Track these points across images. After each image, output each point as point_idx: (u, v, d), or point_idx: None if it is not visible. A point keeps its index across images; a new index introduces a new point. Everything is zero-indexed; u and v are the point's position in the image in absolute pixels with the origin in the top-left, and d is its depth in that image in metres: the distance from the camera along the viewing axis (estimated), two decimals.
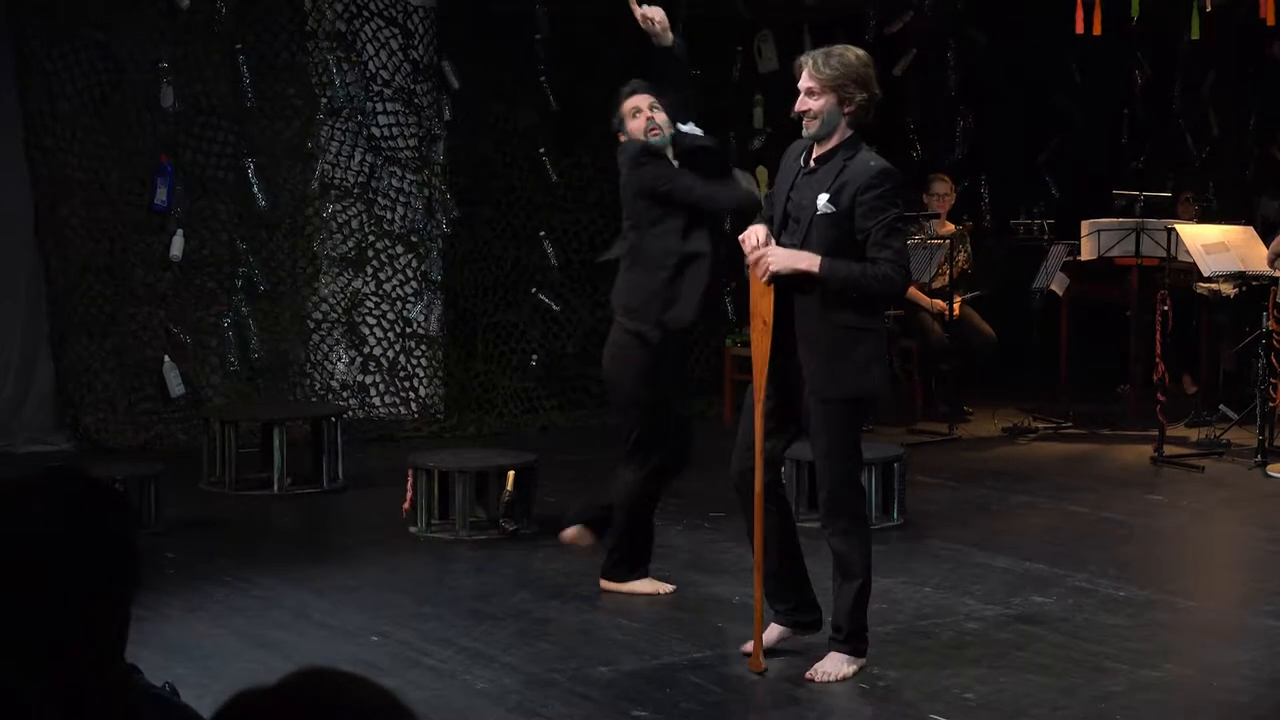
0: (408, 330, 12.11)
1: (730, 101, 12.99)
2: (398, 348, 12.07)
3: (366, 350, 12.01)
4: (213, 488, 9.90)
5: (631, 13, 7.53)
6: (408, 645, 6.94)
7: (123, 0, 11.15)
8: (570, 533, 7.85)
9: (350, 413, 11.53)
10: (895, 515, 9.14)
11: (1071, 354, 12.79)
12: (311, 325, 11.90)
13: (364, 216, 11.99)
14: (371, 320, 12.02)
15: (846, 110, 6.41)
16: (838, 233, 6.33)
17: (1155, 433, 11.01)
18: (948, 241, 12.10)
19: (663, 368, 7.47)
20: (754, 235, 6.43)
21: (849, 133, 6.46)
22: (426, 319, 12.18)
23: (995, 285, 12.60)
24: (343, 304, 11.97)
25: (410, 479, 8.91)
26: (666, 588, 7.75)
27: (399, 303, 12.08)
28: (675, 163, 7.47)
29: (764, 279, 6.39)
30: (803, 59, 6.50)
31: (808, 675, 6.49)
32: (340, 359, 11.97)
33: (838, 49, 6.52)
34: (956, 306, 12.20)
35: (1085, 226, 12.07)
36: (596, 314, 12.45)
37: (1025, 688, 6.43)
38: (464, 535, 8.75)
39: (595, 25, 12.54)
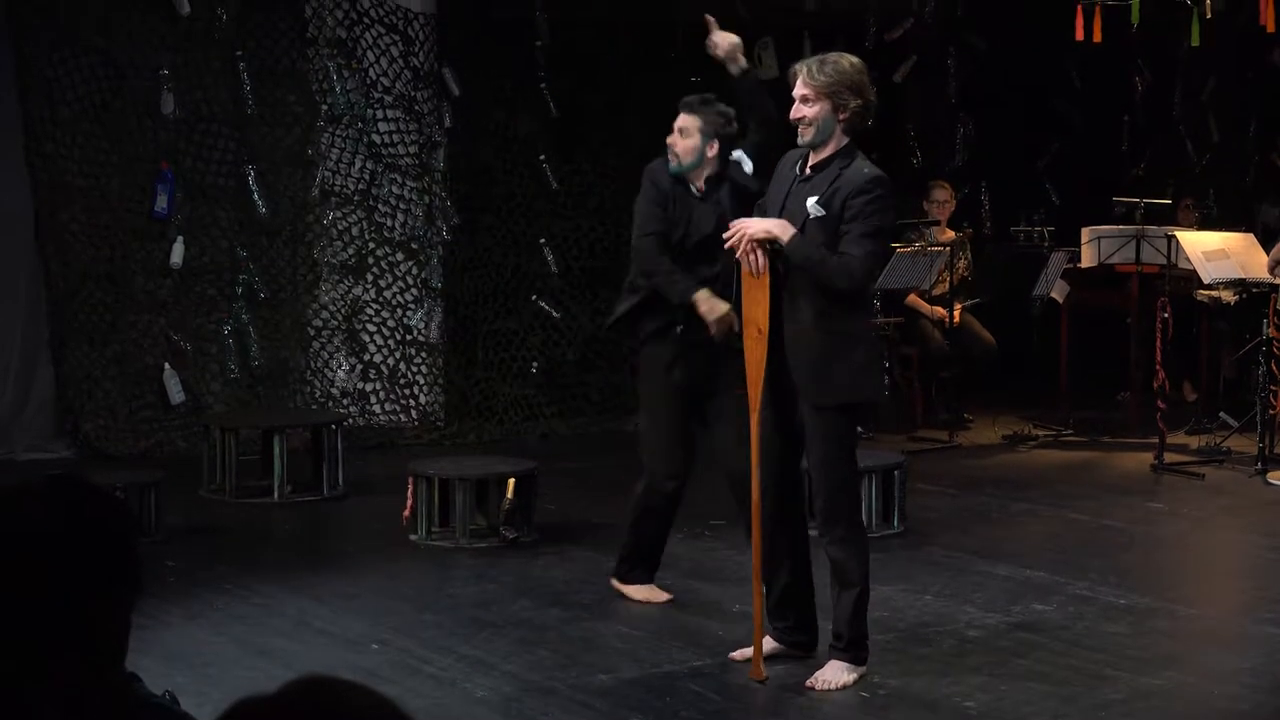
0: (408, 337, 12.11)
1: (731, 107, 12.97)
2: (398, 355, 12.07)
3: (367, 357, 12.01)
4: (213, 495, 9.90)
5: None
6: (408, 653, 6.94)
7: (124, 6, 11.16)
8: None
9: (350, 420, 11.54)
10: (896, 523, 9.14)
11: (1072, 361, 12.79)
12: (312, 332, 11.90)
13: (364, 223, 11.99)
14: (372, 327, 12.02)
15: (841, 117, 6.43)
16: (827, 237, 6.34)
17: (1156, 440, 11.02)
18: (948, 249, 12.10)
19: (665, 379, 7.48)
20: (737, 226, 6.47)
21: (845, 140, 6.47)
22: (427, 326, 12.18)
23: (995, 292, 12.60)
24: (343, 311, 11.97)
25: (410, 486, 8.91)
26: (661, 597, 7.74)
27: (399, 310, 12.09)
28: (703, 187, 7.45)
29: (745, 249, 6.36)
30: (797, 66, 6.53)
31: (808, 684, 6.49)
32: (340, 366, 11.97)
33: (832, 56, 6.55)
34: (957, 314, 12.20)
35: (1085, 233, 12.08)
36: (596, 321, 12.45)
37: (1026, 696, 6.42)
38: (464, 543, 8.74)
39: (595, 32, 12.58)
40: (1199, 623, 7.63)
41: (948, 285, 12.24)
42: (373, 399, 12.02)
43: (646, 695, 6.42)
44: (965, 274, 12.56)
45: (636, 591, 7.72)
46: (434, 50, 12.14)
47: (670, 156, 7.45)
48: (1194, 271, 11.35)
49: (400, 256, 12.09)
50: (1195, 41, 11.51)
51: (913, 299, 12.50)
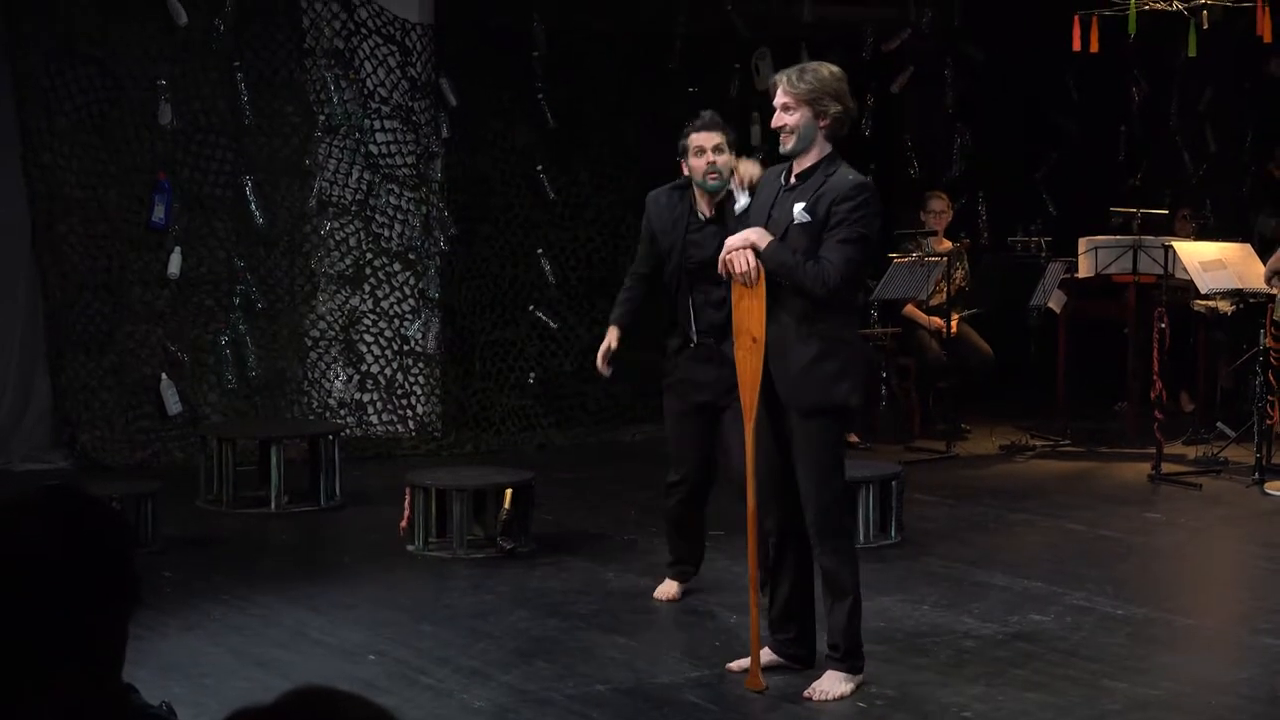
0: (405, 348, 12.11)
1: (728, 119, 12.97)
2: (395, 365, 12.07)
3: (364, 368, 12.01)
4: (210, 506, 9.90)
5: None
6: (405, 664, 6.93)
7: (121, 17, 11.16)
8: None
9: (348, 430, 11.53)
10: (893, 533, 9.13)
11: (1069, 371, 12.80)
12: (309, 343, 11.90)
13: (362, 234, 11.99)
14: (369, 338, 12.02)
15: (822, 124, 6.45)
16: (812, 242, 6.36)
17: (1153, 450, 11.01)
18: (945, 259, 12.11)
19: (673, 390, 7.74)
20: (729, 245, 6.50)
21: (828, 148, 6.49)
22: (424, 336, 12.18)
23: (993, 302, 12.60)
24: (340, 322, 11.97)
25: (408, 497, 8.90)
26: (667, 594, 7.91)
27: (396, 320, 12.09)
28: (710, 213, 7.57)
29: (730, 262, 6.41)
30: (777, 76, 6.57)
31: (806, 694, 6.49)
32: (338, 377, 11.97)
33: (812, 65, 6.61)
34: (954, 324, 12.20)
35: (1083, 244, 12.08)
36: (594, 331, 12.43)
37: (1023, 706, 6.42)
38: (461, 553, 8.74)
39: (593, 43, 12.59)
40: (1196, 633, 7.62)
41: (945, 295, 12.24)
42: (370, 409, 12.02)
43: (644, 706, 6.42)
44: (962, 284, 12.56)
45: (660, 587, 8.00)
46: (431, 61, 12.15)
47: (708, 175, 7.50)
48: (1191, 282, 11.35)
49: (398, 267, 12.09)
50: (1192, 52, 11.52)
51: (910, 309, 12.50)
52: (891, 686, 6.62)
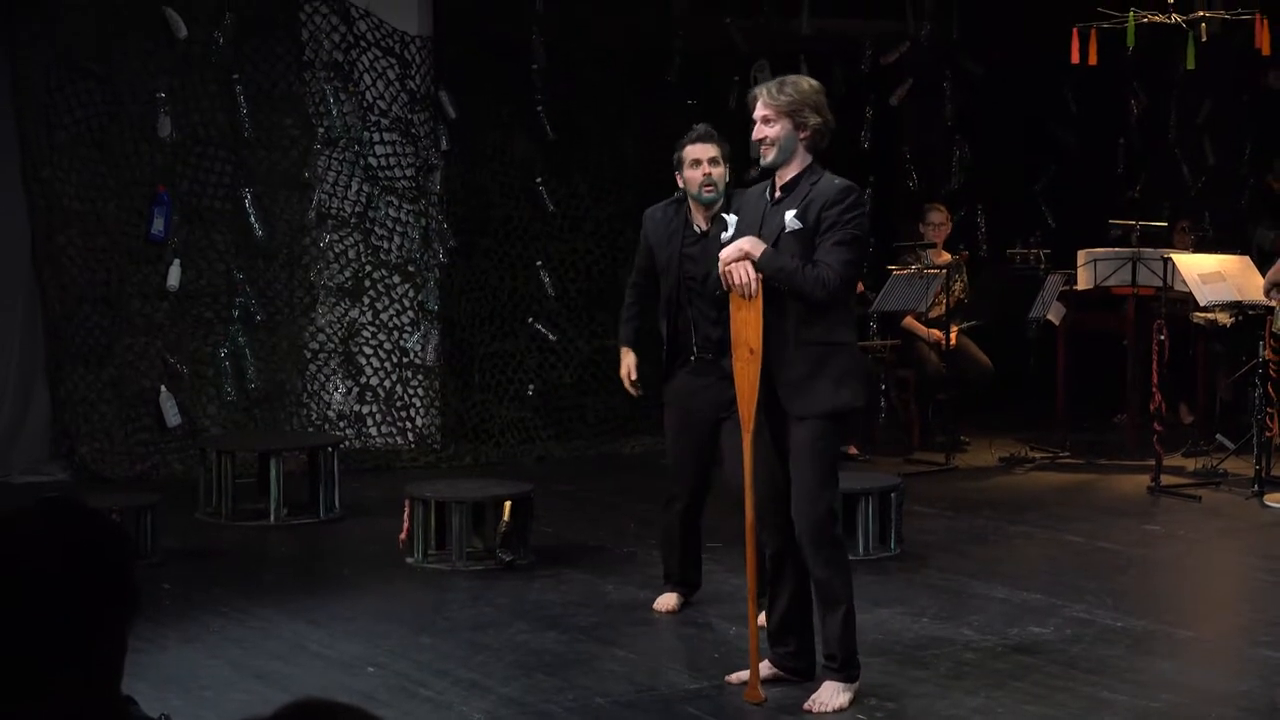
0: (404, 360, 12.11)
1: (727, 132, 12.98)
2: (394, 377, 12.07)
3: (363, 380, 12.01)
4: (209, 518, 9.89)
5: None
6: (404, 676, 6.93)
7: (121, 30, 11.17)
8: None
9: (347, 443, 11.53)
10: (892, 545, 9.13)
11: (1068, 383, 12.80)
12: (308, 355, 11.90)
13: (361, 246, 12.00)
14: (368, 350, 12.02)
15: (802, 135, 6.48)
16: (805, 249, 6.37)
17: (1152, 462, 11.01)
18: (944, 271, 12.11)
19: (672, 404, 7.77)
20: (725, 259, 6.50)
21: (809, 159, 6.51)
22: (423, 349, 12.18)
23: (992, 315, 12.60)
24: (340, 334, 11.97)
25: (407, 509, 8.90)
26: (666, 605, 7.89)
27: (396, 332, 12.09)
28: (706, 227, 7.57)
29: (728, 274, 6.42)
30: (757, 90, 6.61)
31: (805, 706, 6.49)
32: (337, 389, 11.97)
33: (790, 78, 6.66)
34: (953, 336, 12.20)
35: (1081, 256, 12.09)
36: (593, 344, 12.47)
37: (1023, 718, 6.41)
38: (460, 565, 8.73)
39: (592, 55, 12.60)
40: (1196, 645, 7.62)
41: (944, 308, 12.24)
42: (369, 421, 12.02)
43: (643, 718, 6.42)
44: (961, 296, 12.56)
45: (659, 600, 8.01)
46: (430, 73, 12.15)
47: (704, 187, 7.53)
48: (1190, 294, 11.35)
49: (397, 279, 12.09)
50: (1191, 65, 11.54)
51: (909, 321, 12.50)
52: (891, 699, 6.62)
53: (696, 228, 7.62)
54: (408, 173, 12.08)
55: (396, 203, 12.05)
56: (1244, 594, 8.88)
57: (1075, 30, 11.40)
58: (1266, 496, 10.64)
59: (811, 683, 6.67)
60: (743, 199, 6.83)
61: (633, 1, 12.72)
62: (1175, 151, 15.20)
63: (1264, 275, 11.05)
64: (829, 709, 6.46)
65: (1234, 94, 15.02)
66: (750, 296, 6.39)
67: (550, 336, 12.55)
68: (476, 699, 6.60)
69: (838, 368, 6.43)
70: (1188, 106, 15.10)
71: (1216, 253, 12.12)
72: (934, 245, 12.51)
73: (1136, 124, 15.18)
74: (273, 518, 9.86)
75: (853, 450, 11.39)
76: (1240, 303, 11.27)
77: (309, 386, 11.90)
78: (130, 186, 11.26)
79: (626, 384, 8.00)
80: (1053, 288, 12.23)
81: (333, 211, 11.93)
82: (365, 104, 11.95)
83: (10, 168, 10.98)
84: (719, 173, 7.57)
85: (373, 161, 11.98)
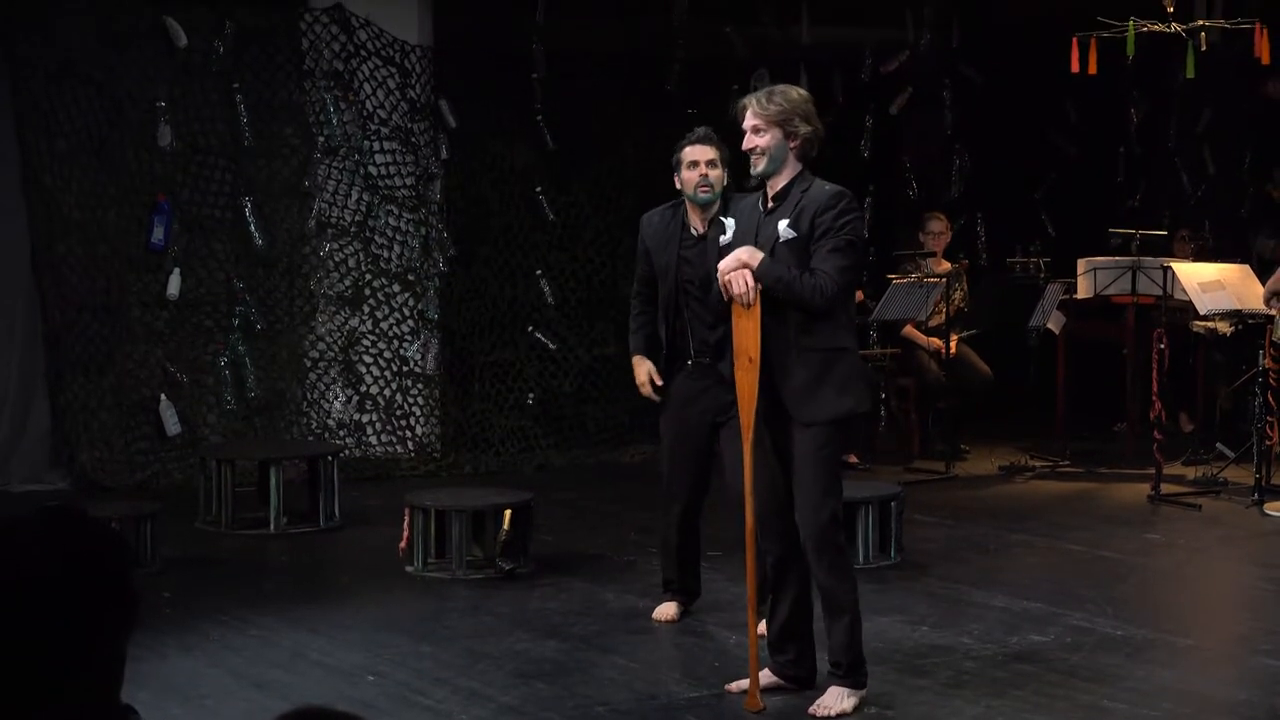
0: (404, 369, 12.11)
1: (727, 139, 12.99)
2: (394, 386, 12.07)
3: (363, 389, 12.01)
4: (209, 527, 9.89)
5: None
6: (404, 685, 6.92)
7: (121, 39, 11.18)
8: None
9: (347, 451, 11.53)
10: (892, 554, 9.13)
11: (1068, 392, 12.80)
12: (308, 364, 11.90)
13: (361, 255, 12.00)
14: (368, 359, 12.02)
15: (793, 144, 6.50)
16: (800, 258, 6.38)
17: (1152, 471, 11.01)
18: (944, 280, 12.11)
19: (668, 413, 7.76)
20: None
21: (799, 167, 6.53)
22: (423, 357, 12.18)
23: (992, 323, 12.60)
24: (339, 342, 11.97)
25: (406, 518, 8.89)
26: (666, 614, 7.89)
27: (396, 341, 12.09)
28: (703, 229, 7.57)
29: (728, 284, 6.42)
30: (745, 100, 6.63)
31: (810, 710, 6.49)
32: (337, 397, 11.97)
33: (779, 87, 6.70)
34: (953, 345, 12.20)
35: (1081, 265, 12.09)
36: (593, 352, 12.47)
37: None
38: (460, 574, 8.73)
39: (592, 65, 12.61)
40: (1196, 654, 7.62)
41: (944, 316, 12.25)
42: (369, 430, 12.02)
43: None
44: (961, 305, 12.57)
45: (658, 608, 7.99)
46: (430, 82, 12.16)
47: (699, 188, 7.55)
48: (1190, 303, 11.35)
49: (397, 288, 12.10)
50: (1190, 74, 11.54)
51: (909, 330, 12.51)
52: (892, 707, 6.62)
53: (694, 230, 7.63)
54: (408, 181, 12.09)
55: (396, 211, 12.05)
56: (1244, 602, 8.87)
57: (1075, 39, 11.39)
58: (1266, 505, 10.63)
59: (812, 691, 6.67)
60: (738, 208, 6.83)
61: (632, 10, 12.73)
62: (1175, 160, 15.20)
63: (1264, 284, 11.06)
64: (833, 713, 6.47)
65: (1234, 103, 15.02)
66: (749, 306, 6.40)
67: (550, 345, 12.55)
68: (476, 708, 6.60)
69: (840, 374, 6.45)
70: (1188, 115, 15.10)
71: (1216, 261, 12.12)
72: (934, 254, 12.52)
73: (1136, 133, 15.18)
74: (273, 526, 9.86)
75: (853, 459, 11.38)
76: (1240, 311, 11.27)
77: (309, 395, 11.90)
78: (130, 195, 11.26)
79: (647, 390, 7.84)
80: (1053, 296, 12.24)
81: (333, 220, 11.93)
82: (365, 113, 11.95)
83: (10, 176, 10.98)
84: (716, 175, 7.58)
85: (373, 170, 11.99)
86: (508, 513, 8.79)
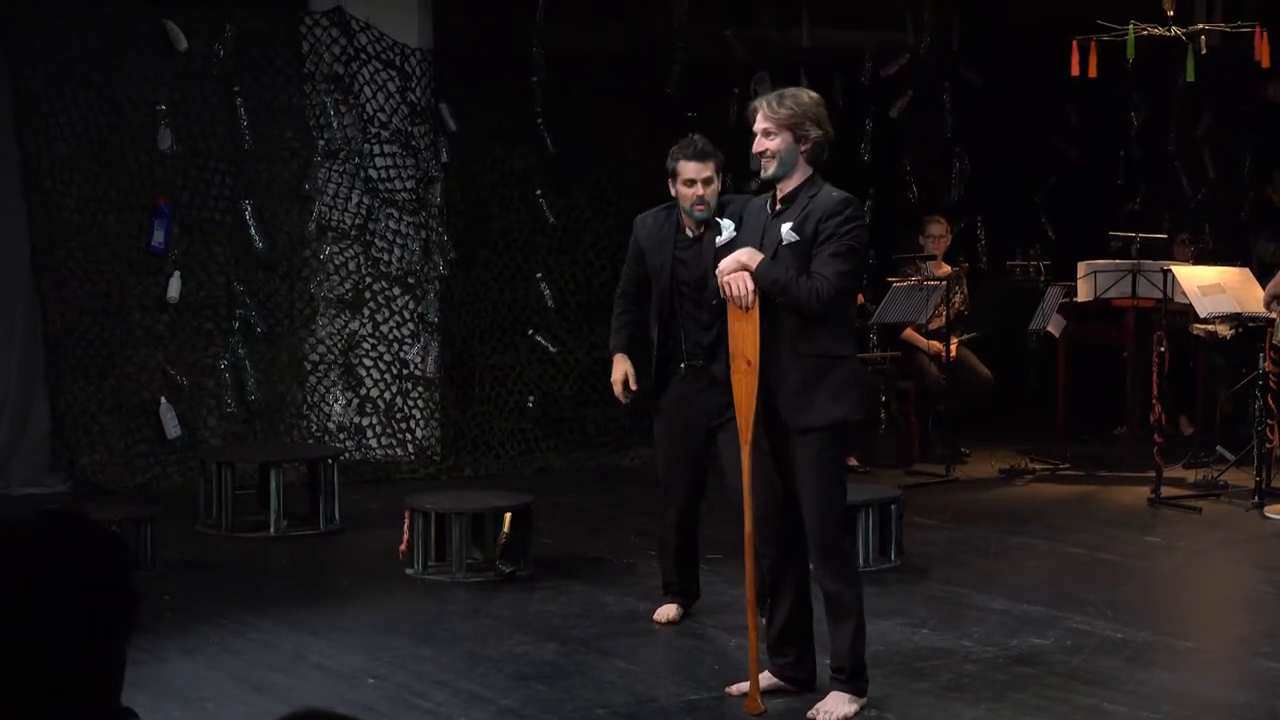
0: (404, 372, 12.11)
1: (727, 143, 12.99)
2: (394, 389, 12.07)
3: (363, 392, 12.01)
4: (209, 529, 9.89)
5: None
6: (405, 688, 6.92)
7: (121, 42, 11.18)
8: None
9: (347, 454, 11.53)
10: (893, 557, 9.13)
11: (1068, 395, 12.80)
12: (308, 367, 11.90)
13: (361, 258, 12.00)
14: (368, 362, 12.02)
15: (803, 148, 6.50)
16: (801, 261, 6.38)
17: (1152, 474, 11.01)
18: (944, 283, 12.11)
19: (664, 416, 7.74)
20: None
21: (809, 171, 6.54)
22: (423, 360, 12.18)
23: (992, 326, 12.60)
24: (340, 345, 11.97)
25: (407, 521, 8.90)
26: (666, 616, 7.90)
27: (396, 344, 12.09)
28: (700, 231, 7.57)
29: (726, 285, 6.43)
30: (756, 102, 6.63)
31: (810, 714, 6.49)
32: (337, 400, 11.97)
33: (790, 90, 6.68)
34: (953, 348, 12.20)
35: (1082, 268, 12.09)
36: (593, 355, 12.46)
37: None
38: (460, 577, 8.73)
39: (592, 67, 12.61)
40: (1196, 656, 7.62)
41: (944, 319, 12.25)
42: (369, 433, 12.01)
43: None
44: (961, 308, 12.57)
45: (659, 611, 7.99)
46: (431, 86, 12.16)
47: (695, 206, 7.50)
48: (1190, 306, 11.35)
49: (397, 291, 12.10)
50: (1191, 77, 11.54)
51: (909, 333, 12.50)
52: (892, 710, 6.62)
53: (689, 232, 7.61)
54: (408, 185, 12.09)
55: (397, 215, 12.05)
56: (1244, 605, 8.87)
57: (1075, 43, 11.39)
58: (1267, 508, 10.63)
59: (812, 694, 6.67)
60: (746, 209, 6.83)
61: (632, 13, 12.73)
62: (1175, 164, 15.20)
63: (1264, 287, 11.06)
64: (834, 718, 6.46)
65: (1234, 106, 15.02)
66: (747, 308, 6.40)
67: (550, 348, 12.55)
68: (477, 710, 6.60)
69: (836, 380, 6.44)
70: (1188, 119, 15.10)
71: (1216, 265, 12.12)
72: (934, 257, 12.51)
73: (1136, 136, 15.18)
74: (273, 529, 9.86)
75: (853, 462, 11.39)
76: (1240, 315, 11.27)
77: (309, 398, 11.90)
78: (131, 198, 11.26)
79: (618, 389, 7.89)
80: (1053, 299, 12.24)
81: (333, 223, 11.93)
82: (366, 116, 11.95)
83: (11, 180, 10.98)
84: (711, 191, 7.53)
85: (373, 174, 11.99)
86: (508, 516, 8.79)
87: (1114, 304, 12.18)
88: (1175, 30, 11.34)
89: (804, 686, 6.76)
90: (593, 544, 9.71)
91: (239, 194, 11.59)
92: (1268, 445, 10.91)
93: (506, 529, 8.76)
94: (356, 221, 11.97)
